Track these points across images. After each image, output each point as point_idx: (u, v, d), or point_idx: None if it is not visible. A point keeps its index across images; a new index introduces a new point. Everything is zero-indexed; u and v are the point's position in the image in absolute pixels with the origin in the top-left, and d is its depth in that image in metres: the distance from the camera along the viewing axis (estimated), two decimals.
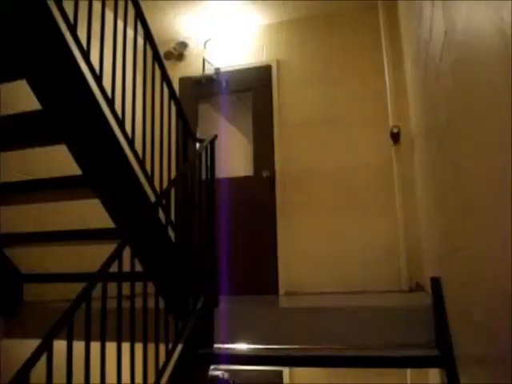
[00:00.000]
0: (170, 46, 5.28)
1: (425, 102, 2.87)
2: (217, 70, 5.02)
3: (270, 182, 4.63)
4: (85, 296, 1.98)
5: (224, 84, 4.93)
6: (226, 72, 5.00)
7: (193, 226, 2.99)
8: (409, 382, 4.17)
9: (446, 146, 1.94)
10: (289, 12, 4.90)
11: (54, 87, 2.17)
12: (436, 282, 2.52)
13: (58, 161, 2.91)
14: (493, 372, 1.38)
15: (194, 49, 5.28)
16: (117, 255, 2.16)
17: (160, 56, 2.91)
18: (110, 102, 2.43)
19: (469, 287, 1.64)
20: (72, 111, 2.24)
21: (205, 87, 5.03)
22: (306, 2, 4.69)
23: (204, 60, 5.07)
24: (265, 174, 4.63)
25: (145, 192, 2.59)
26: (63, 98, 2.20)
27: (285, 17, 4.97)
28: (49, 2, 2.08)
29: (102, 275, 2.08)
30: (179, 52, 5.33)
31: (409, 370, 4.13)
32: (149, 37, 2.80)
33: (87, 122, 2.29)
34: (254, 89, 4.95)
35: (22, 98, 2.28)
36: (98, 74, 2.36)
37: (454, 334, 2.17)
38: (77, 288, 2.04)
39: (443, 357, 2.19)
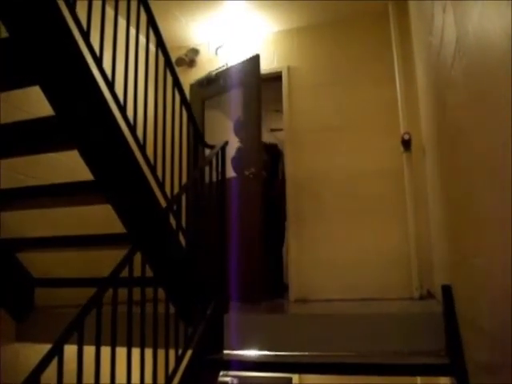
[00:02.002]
0: (182, 53, 5.31)
1: (436, 109, 2.86)
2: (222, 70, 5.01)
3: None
4: (95, 301, 1.99)
5: (231, 82, 4.92)
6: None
7: (203, 231, 3.00)
8: None
9: (457, 153, 1.94)
10: (300, 19, 4.91)
11: (67, 93, 2.19)
12: (447, 290, 2.51)
13: (65, 163, 2.94)
14: (502, 380, 1.37)
15: (206, 55, 5.31)
16: (127, 261, 2.17)
17: (172, 63, 2.93)
18: (122, 108, 2.46)
19: (479, 295, 1.63)
20: (84, 117, 2.26)
21: (211, 86, 5.04)
22: (317, 9, 4.70)
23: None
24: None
25: (156, 197, 2.60)
26: (76, 104, 2.22)
27: (295, 24, 4.99)
28: (62, 9, 2.11)
29: (113, 281, 2.09)
30: (190, 58, 5.36)
31: (419, 378, 4.10)
32: (161, 43, 2.82)
33: (99, 128, 2.31)
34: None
35: (35, 103, 2.31)
36: (111, 80, 2.39)
37: (464, 341, 2.16)
38: (88, 293, 2.05)
39: (454, 365, 2.17)
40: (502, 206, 1.18)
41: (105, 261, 2.53)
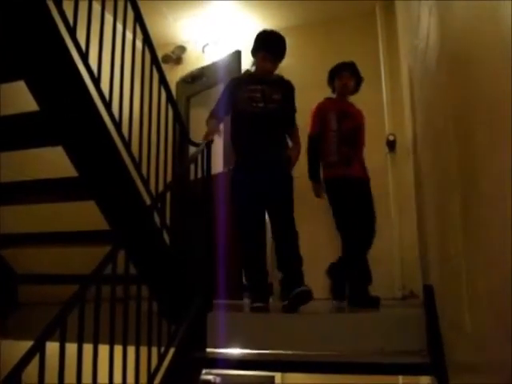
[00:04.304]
0: (169, 50, 5.30)
1: (421, 110, 2.89)
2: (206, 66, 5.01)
3: None
4: (78, 299, 1.98)
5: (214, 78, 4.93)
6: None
7: (188, 229, 3.00)
8: None
9: (442, 152, 1.96)
10: (288, 18, 4.93)
11: (52, 89, 2.18)
12: (428, 290, 2.53)
13: (52, 161, 2.92)
14: (482, 380, 1.40)
15: (193, 53, 5.30)
16: (111, 258, 2.17)
17: (158, 60, 2.92)
18: (108, 105, 2.44)
19: (459, 295, 1.65)
20: (69, 113, 2.24)
21: (195, 83, 5.04)
22: (305, 8, 4.73)
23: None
24: None
25: (140, 195, 2.59)
26: (61, 99, 2.20)
27: (283, 23, 4.99)
28: (49, 4, 2.09)
29: (96, 278, 2.08)
30: (177, 55, 5.36)
31: (401, 377, 4.13)
32: (147, 41, 2.81)
33: (84, 125, 2.29)
34: None
35: (20, 98, 2.28)
36: (96, 76, 2.37)
37: (446, 341, 2.18)
38: (72, 289, 2.04)
39: (434, 364, 2.19)
40: (486, 206, 1.20)
41: (90, 257, 2.52)
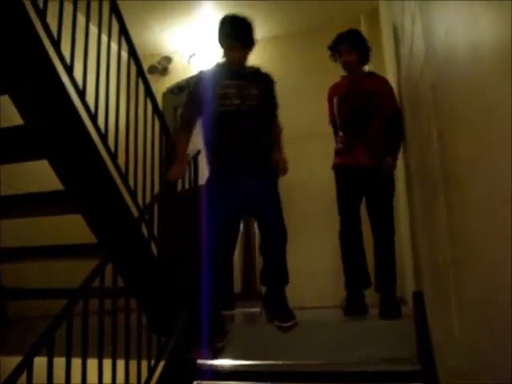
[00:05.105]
0: (155, 60, 5.30)
1: (406, 116, 2.91)
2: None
3: None
4: (65, 314, 1.96)
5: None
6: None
7: (176, 241, 2.98)
8: None
9: (427, 160, 1.97)
10: (272, 28, 4.95)
11: (37, 103, 2.17)
12: (418, 296, 2.54)
13: (39, 173, 2.90)
14: None
15: (179, 63, 5.30)
16: (98, 272, 2.15)
17: (144, 72, 2.93)
18: (93, 117, 2.43)
19: (449, 301, 1.65)
20: (54, 127, 2.23)
21: (182, 94, 5.03)
22: (289, 18, 4.76)
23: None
24: None
25: (128, 207, 2.58)
26: (45, 113, 2.19)
27: (268, 33, 5.02)
28: (32, 17, 2.08)
29: (83, 293, 2.06)
30: (163, 66, 5.36)
31: None
32: (133, 53, 2.81)
33: (69, 138, 2.28)
34: None
35: (5, 112, 2.27)
36: (81, 89, 2.37)
37: (436, 348, 2.18)
38: (61, 303, 2.02)
39: (424, 371, 2.19)
40: (476, 210, 1.21)
41: (78, 269, 2.50)
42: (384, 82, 3.30)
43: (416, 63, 2.12)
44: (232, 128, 2.90)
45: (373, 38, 4.51)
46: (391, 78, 3.63)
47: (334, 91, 3.35)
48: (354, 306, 3.02)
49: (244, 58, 2.99)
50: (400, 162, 3.29)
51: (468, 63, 1.13)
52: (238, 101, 2.91)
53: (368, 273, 3.15)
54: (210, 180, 3.00)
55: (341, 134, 3.27)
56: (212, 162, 3.01)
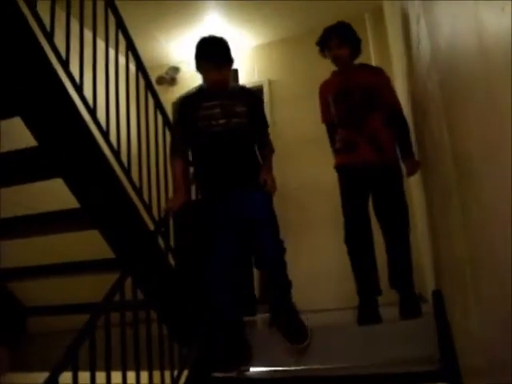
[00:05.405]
0: (162, 71, 5.33)
1: (415, 117, 2.90)
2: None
3: None
4: (88, 328, 1.98)
5: None
6: None
7: (192, 250, 3.00)
8: None
9: (439, 155, 1.97)
10: (278, 32, 4.97)
11: (48, 123, 2.20)
12: (437, 296, 2.53)
13: (56, 192, 2.94)
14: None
15: (187, 73, 5.33)
16: (118, 286, 2.17)
17: (152, 85, 2.96)
18: (105, 134, 2.46)
19: (469, 299, 1.65)
20: (67, 146, 2.26)
21: None
22: (293, 21, 4.77)
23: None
24: None
25: (143, 221, 2.60)
26: (58, 133, 2.23)
27: (274, 37, 5.04)
28: (40, 38, 2.12)
29: (105, 308, 2.09)
30: (171, 76, 5.38)
31: None
32: (141, 68, 2.84)
33: (83, 156, 2.31)
34: None
35: (19, 134, 2.30)
36: (92, 106, 2.40)
37: (458, 347, 2.17)
38: (81, 317, 2.05)
39: (447, 371, 2.18)
40: (486, 212, 1.21)
41: (98, 283, 2.52)
42: (380, 72, 3.17)
43: (423, 62, 2.13)
44: (220, 148, 2.80)
45: (378, 37, 4.52)
46: (399, 75, 3.62)
47: (327, 88, 3.18)
48: (367, 315, 2.85)
49: (223, 77, 2.86)
50: None
51: (474, 61, 1.13)
52: (224, 120, 2.80)
53: (378, 281, 3.00)
54: (203, 204, 2.89)
55: (340, 131, 3.08)
56: (203, 185, 2.93)
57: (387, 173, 2.94)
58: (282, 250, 2.81)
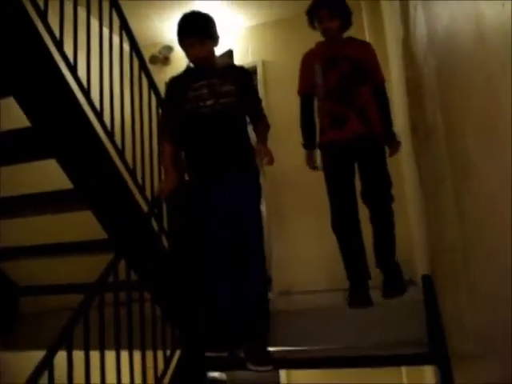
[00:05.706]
0: (156, 50, 5.26)
1: (410, 102, 2.90)
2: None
3: None
4: (83, 309, 2.00)
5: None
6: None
7: (184, 234, 3.00)
8: (405, 381, 4.20)
9: (432, 145, 1.98)
10: (272, 13, 4.91)
11: (42, 103, 2.17)
12: (427, 280, 2.56)
13: (49, 173, 2.93)
14: (483, 369, 1.43)
15: (180, 52, 5.25)
16: (112, 268, 2.19)
17: (146, 65, 2.93)
18: (99, 115, 2.44)
19: (458, 286, 1.67)
20: (61, 126, 2.24)
21: None
22: (290, 2, 4.71)
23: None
24: None
25: (137, 202, 2.59)
26: (51, 113, 2.20)
27: (269, 18, 4.98)
28: (33, 17, 2.09)
29: (99, 289, 2.10)
30: (165, 55, 5.32)
31: (404, 370, 4.15)
32: (135, 47, 2.81)
33: (77, 137, 2.29)
34: None
35: (12, 114, 2.28)
36: (86, 87, 2.37)
37: (446, 330, 2.20)
38: (72, 296, 2.06)
39: (435, 354, 2.21)
40: (481, 202, 1.22)
41: (90, 265, 2.54)
42: (368, 46, 3.06)
43: (420, 47, 2.12)
44: (207, 130, 2.73)
45: (374, 25, 4.49)
46: (395, 63, 3.61)
47: (312, 58, 3.00)
48: (358, 298, 2.75)
49: (207, 53, 2.78)
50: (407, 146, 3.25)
51: (472, 45, 1.14)
52: (212, 101, 2.71)
53: (367, 265, 2.89)
54: (194, 187, 2.81)
55: (328, 104, 2.88)
56: (192, 168, 2.85)
57: (373, 144, 2.83)
58: (267, 281, 2.74)
